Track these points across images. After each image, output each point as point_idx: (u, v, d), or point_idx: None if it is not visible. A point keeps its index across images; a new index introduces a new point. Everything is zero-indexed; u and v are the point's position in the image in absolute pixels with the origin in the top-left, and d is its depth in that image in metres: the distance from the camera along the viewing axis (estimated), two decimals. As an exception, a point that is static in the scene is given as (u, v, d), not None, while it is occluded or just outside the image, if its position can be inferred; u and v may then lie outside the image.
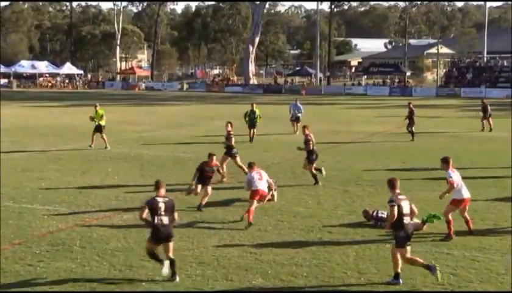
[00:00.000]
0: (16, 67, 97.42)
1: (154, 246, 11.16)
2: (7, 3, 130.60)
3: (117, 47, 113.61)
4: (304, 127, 20.90)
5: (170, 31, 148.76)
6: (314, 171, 19.49)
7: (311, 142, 19.51)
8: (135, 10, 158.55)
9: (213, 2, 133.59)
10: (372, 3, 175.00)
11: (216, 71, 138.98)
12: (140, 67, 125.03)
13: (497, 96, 69.12)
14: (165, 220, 10.96)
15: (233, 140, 20.71)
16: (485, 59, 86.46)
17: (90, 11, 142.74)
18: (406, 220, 10.96)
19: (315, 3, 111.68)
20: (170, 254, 11.09)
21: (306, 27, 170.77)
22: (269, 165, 21.86)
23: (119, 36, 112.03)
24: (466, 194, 13.74)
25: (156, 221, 10.91)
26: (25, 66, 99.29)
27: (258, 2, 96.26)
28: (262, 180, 15.45)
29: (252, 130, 30.05)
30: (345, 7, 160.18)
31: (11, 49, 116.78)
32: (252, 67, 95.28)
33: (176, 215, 11.28)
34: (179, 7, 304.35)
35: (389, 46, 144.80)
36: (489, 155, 25.98)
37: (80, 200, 17.12)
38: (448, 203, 13.81)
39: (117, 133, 32.10)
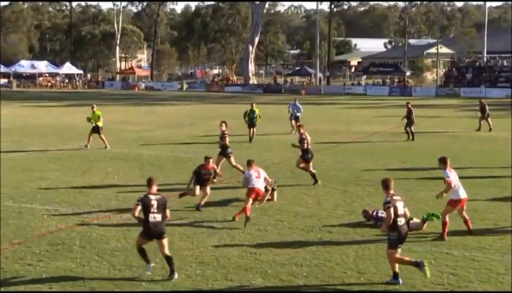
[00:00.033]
0: (15, 67, 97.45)
1: (144, 241, 11.20)
2: (7, 3, 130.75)
3: (117, 47, 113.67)
4: (299, 126, 20.98)
5: (170, 31, 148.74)
6: (312, 171, 19.50)
7: (305, 141, 19.49)
8: (134, 9, 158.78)
9: (212, 2, 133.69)
10: (371, 3, 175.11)
11: (215, 71, 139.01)
12: (140, 67, 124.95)
13: (496, 96, 69.13)
14: (158, 217, 11.02)
15: (227, 139, 20.63)
16: (485, 59, 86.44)
17: (90, 11, 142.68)
18: (401, 221, 10.94)
19: (315, 3, 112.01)
20: (166, 252, 11.11)
21: (305, 27, 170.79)
22: (269, 165, 21.86)
23: (118, 36, 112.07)
24: (463, 194, 13.75)
25: (149, 218, 10.95)
26: (24, 66, 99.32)
27: (257, 2, 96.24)
28: (260, 179, 15.46)
29: (251, 130, 30.05)
30: (345, 7, 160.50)
31: (11, 49, 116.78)
32: (251, 67, 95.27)
33: (168, 212, 11.31)
34: (179, 7, 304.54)
35: (389, 46, 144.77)
36: (489, 155, 25.98)
37: (80, 200, 17.12)
38: (446, 204, 13.82)
39: (117, 133, 32.11)
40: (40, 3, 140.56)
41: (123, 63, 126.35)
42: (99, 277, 11.21)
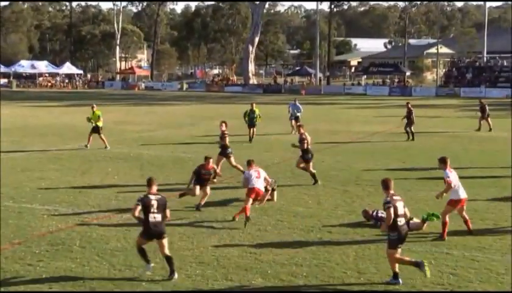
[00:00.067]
0: (15, 67, 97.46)
1: (144, 241, 11.21)
2: (7, 3, 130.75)
3: (117, 47, 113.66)
4: (299, 126, 21.01)
5: (170, 31, 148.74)
6: (312, 170, 19.50)
7: (305, 141, 19.49)
8: (134, 9, 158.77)
9: (212, 2, 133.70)
10: (371, 3, 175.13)
11: (215, 71, 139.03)
12: (140, 67, 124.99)
13: (496, 96, 69.12)
14: (158, 217, 11.03)
15: (227, 139, 20.63)
16: (485, 59, 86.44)
17: (90, 11, 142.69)
18: (401, 221, 10.94)
19: (315, 3, 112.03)
20: (166, 252, 11.11)
21: (305, 27, 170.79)
22: (269, 165, 21.85)
23: (118, 36, 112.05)
24: (463, 194, 13.75)
25: (149, 218, 10.96)
26: (24, 66, 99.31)
27: (257, 2, 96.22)
28: (259, 179, 15.47)
29: (251, 130, 30.05)
30: (345, 7, 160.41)
31: (11, 49, 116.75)
32: (251, 67, 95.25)
33: (168, 212, 11.31)
34: (179, 7, 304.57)
35: (389, 46, 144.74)
36: (489, 155, 25.98)
37: (80, 200, 17.12)
38: (446, 204, 13.83)
39: (117, 133, 32.11)
40: (40, 3, 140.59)
41: (123, 63, 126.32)
42: (99, 277, 11.21)
